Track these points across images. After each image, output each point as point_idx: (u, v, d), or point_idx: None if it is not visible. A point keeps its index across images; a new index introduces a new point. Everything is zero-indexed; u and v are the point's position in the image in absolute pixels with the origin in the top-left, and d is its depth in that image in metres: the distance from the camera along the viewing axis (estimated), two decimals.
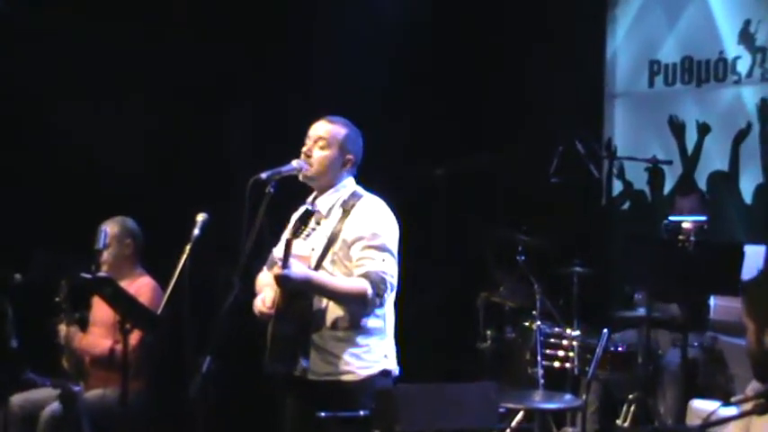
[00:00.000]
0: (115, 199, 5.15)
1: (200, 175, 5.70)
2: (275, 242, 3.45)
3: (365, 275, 3.20)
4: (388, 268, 3.23)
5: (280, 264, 3.15)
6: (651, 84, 6.13)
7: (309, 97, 5.50)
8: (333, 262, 3.27)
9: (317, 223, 3.35)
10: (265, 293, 3.31)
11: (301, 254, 3.22)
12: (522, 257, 5.10)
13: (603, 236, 6.03)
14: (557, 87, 5.86)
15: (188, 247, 3.44)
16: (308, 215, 3.20)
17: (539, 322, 4.90)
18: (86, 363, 4.56)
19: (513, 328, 5.18)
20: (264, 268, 3.52)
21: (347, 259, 3.26)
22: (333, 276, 3.25)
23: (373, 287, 3.18)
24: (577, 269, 5.07)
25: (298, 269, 3.13)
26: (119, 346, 4.00)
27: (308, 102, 5.16)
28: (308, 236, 3.17)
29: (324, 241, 3.30)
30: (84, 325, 4.61)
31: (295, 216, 3.46)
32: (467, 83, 6.10)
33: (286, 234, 3.29)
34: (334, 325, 3.25)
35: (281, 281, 3.12)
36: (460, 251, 5.81)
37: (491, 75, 6.09)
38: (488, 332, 5.20)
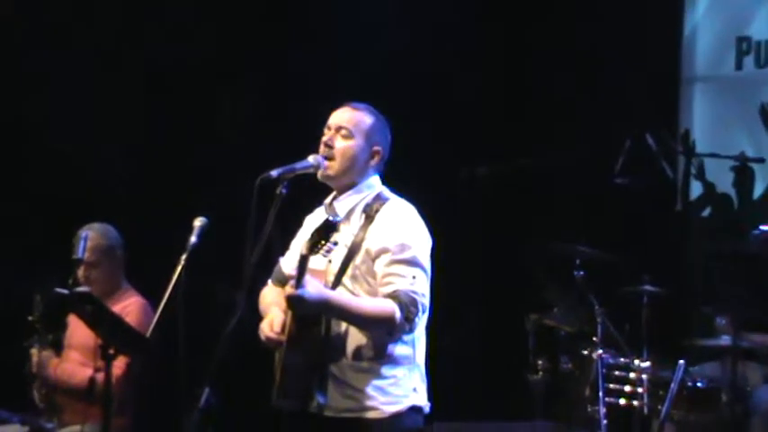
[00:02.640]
0: (94, 201, 5.21)
1: (197, 172, 5.75)
2: (285, 251, 3.47)
3: (393, 296, 3.19)
4: (420, 287, 3.23)
5: (292, 283, 3.13)
6: (739, 66, 6.10)
7: (327, 86, 5.54)
8: (354, 278, 3.27)
9: (336, 230, 3.34)
10: (273, 315, 3.31)
11: (316, 267, 3.22)
12: (581, 273, 5.09)
13: (679, 248, 6.01)
14: (622, 71, 5.85)
15: (183, 258, 3.46)
16: (328, 228, 3.13)
17: (600, 351, 4.89)
18: (61, 394, 4.60)
19: (569, 357, 5.17)
20: (269, 282, 3.54)
21: (370, 275, 3.26)
22: (354, 297, 3.26)
23: (402, 310, 3.17)
24: (647, 288, 5.06)
25: (313, 289, 3.12)
26: (100, 375, 4.02)
27: (325, 91, 5.19)
28: (328, 252, 3.18)
29: (343, 252, 3.29)
30: (59, 349, 4.65)
31: (310, 220, 3.48)
32: (512, 64, 6.10)
33: (298, 243, 3.30)
34: (356, 354, 3.25)
35: (294, 303, 3.11)
36: (505, 265, 5.81)
37: (541, 55, 6.09)
38: (539, 362, 5.19)
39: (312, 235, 3.11)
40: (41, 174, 5.60)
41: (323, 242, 3.10)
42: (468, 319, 5.73)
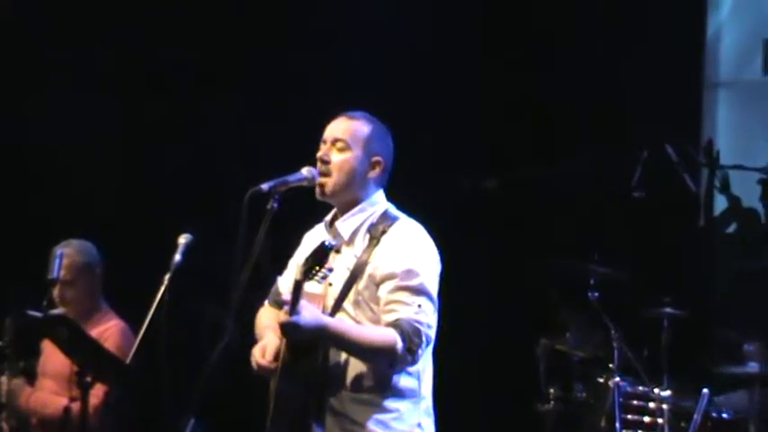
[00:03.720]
0: (70, 217, 5.21)
1: (181, 186, 5.76)
2: (280, 270, 3.47)
3: (395, 324, 3.18)
4: (425, 317, 3.22)
5: (286, 309, 3.12)
6: (766, 69, 6.12)
7: (321, 95, 5.56)
8: (356, 304, 3.27)
9: (337, 252, 3.33)
10: (267, 341, 3.31)
11: (314, 291, 3.21)
12: (596, 294, 5.10)
13: (702, 267, 6.01)
14: (640, 75, 5.86)
15: (167, 278, 3.46)
16: (324, 252, 3.11)
17: (617, 378, 4.89)
18: (33, 425, 4.58)
19: (583, 385, 5.18)
20: (266, 303, 3.54)
21: (374, 301, 3.25)
22: (354, 324, 3.25)
23: (404, 340, 3.16)
24: (668, 310, 5.05)
25: (309, 315, 3.11)
26: (76, 405, 4.02)
27: (319, 100, 5.21)
28: (323, 278, 3.15)
29: (345, 276, 3.29)
30: (31, 377, 4.63)
31: (309, 238, 3.48)
32: (521, 68, 6.11)
33: (296, 262, 3.30)
34: (357, 384, 3.24)
35: (288, 331, 3.11)
36: (513, 285, 5.82)
37: (552, 58, 6.10)
38: (551, 390, 5.20)
39: (306, 260, 3.11)
40: (13, 189, 5.60)
41: (317, 268, 3.08)
42: (473, 344, 5.72)
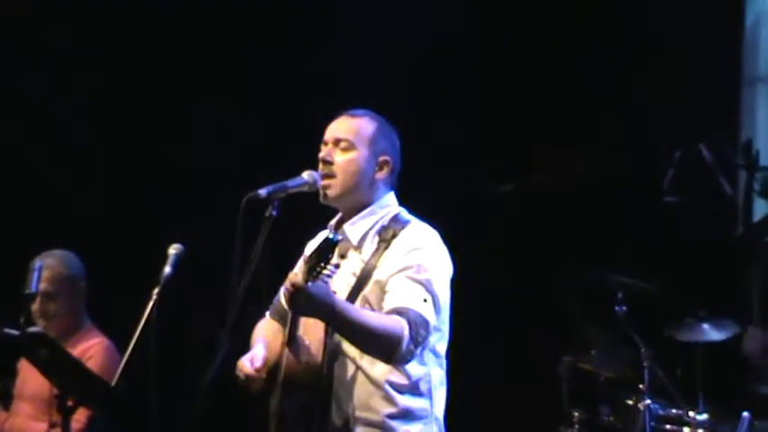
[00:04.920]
0: (50, 227, 5.23)
1: (171, 193, 5.77)
2: (280, 282, 3.48)
3: (401, 312, 3.20)
4: (428, 313, 3.25)
5: (296, 272, 3.11)
6: None
7: (323, 92, 5.58)
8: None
9: (343, 256, 3.36)
10: (256, 350, 3.33)
11: None
12: (623, 308, 5.10)
13: (740, 278, 5.99)
14: (671, 70, 5.86)
15: (156, 292, 3.47)
16: (329, 247, 3.10)
17: (648, 401, 4.89)
18: None
19: (610, 407, 5.17)
20: (267, 315, 3.55)
21: (380, 306, 3.27)
22: (363, 309, 3.26)
23: (411, 329, 3.19)
24: (704, 326, 5.05)
25: (321, 288, 3.10)
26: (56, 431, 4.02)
27: (320, 97, 5.23)
28: (328, 277, 3.16)
29: (351, 281, 3.32)
30: (7, 401, 4.64)
31: (311, 247, 3.49)
32: (541, 61, 6.11)
33: (297, 273, 3.31)
34: (366, 405, 3.25)
35: (296, 298, 3.09)
36: (534, 299, 5.81)
37: (574, 50, 6.10)
38: (575, 413, 5.19)
39: (309, 257, 3.12)
40: None
41: (322, 265, 3.08)
42: (489, 362, 5.72)
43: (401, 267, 3.27)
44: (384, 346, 3.20)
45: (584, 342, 5.25)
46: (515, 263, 5.96)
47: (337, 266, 3.14)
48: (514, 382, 5.87)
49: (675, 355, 5.14)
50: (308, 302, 3.09)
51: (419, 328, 3.20)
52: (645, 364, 4.98)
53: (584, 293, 5.38)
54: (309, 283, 3.06)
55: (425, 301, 3.24)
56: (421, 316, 3.22)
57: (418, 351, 3.25)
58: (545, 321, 5.75)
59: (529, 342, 5.80)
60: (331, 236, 3.09)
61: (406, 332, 3.17)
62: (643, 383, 4.96)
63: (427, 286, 3.26)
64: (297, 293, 3.08)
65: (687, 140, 5.44)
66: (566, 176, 5.68)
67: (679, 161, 5.41)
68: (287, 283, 3.13)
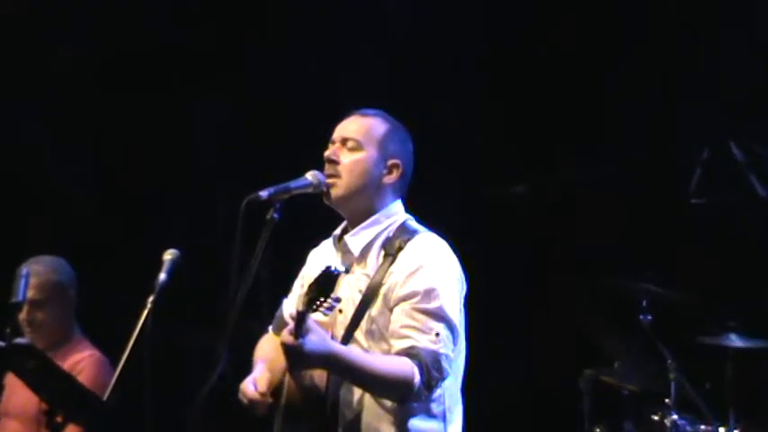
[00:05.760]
0: (38, 232, 5.23)
1: (166, 195, 5.77)
2: (282, 291, 3.48)
3: (411, 354, 3.18)
4: (444, 347, 3.22)
5: (290, 328, 3.09)
6: None
7: (323, 93, 5.58)
8: (369, 334, 3.28)
9: (346, 271, 3.34)
10: (257, 374, 3.32)
11: (320, 319, 3.20)
12: (648, 317, 5.09)
13: None
14: (700, 60, 5.84)
15: (150, 301, 3.47)
16: (329, 280, 3.05)
17: (674, 416, 4.89)
18: None
19: (634, 423, 5.16)
20: (270, 330, 3.54)
21: (388, 327, 3.25)
22: (365, 353, 3.25)
23: (422, 373, 3.16)
24: (734, 337, 5.03)
25: (317, 339, 3.08)
26: None
27: (324, 95, 5.24)
28: (329, 309, 3.09)
29: (356, 300, 3.30)
30: None
31: (315, 256, 3.48)
32: (562, 53, 6.10)
33: (303, 284, 3.30)
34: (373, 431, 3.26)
35: (292, 355, 3.08)
36: (552, 308, 5.81)
37: (597, 42, 6.08)
38: (597, 430, 5.18)
39: (309, 288, 3.09)
40: None
41: (322, 299, 3.05)
42: (505, 377, 5.72)
43: (407, 294, 3.24)
44: (392, 394, 3.21)
45: (606, 354, 5.24)
46: (531, 269, 5.96)
47: (338, 300, 3.10)
48: (533, 397, 5.87)
49: (704, 367, 5.13)
50: (304, 359, 3.07)
51: (431, 370, 3.18)
52: (671, 376, 4.97)
53: (606, 301, 5.37)
54: (302, 339, 3.03)
55: (438, 335, 3.21)
56: (433, 354, 3.19)
57: (434, 391, 3.23)
58: (564, 332, 5.74)
59: (547, 355, 5.80)
60: (332, 268, 3.06)
61: (417, 378, 3.15)
62: (669, 397, 4.95)
63: (439, 314, 3.23)
64: (290, 352, 3.06)
65: (716, 137, 5.42)
66: (584, 176, 5.66)
67: (707, 160, 5.39)
68: (281, 340, 3.10)
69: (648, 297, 5.10)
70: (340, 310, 3.30)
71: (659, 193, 5.68)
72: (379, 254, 3.34)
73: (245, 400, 3.27)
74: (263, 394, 3.25)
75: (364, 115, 3.45)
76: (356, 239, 3.37)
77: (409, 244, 3.32)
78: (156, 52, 5.90)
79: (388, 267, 3.29)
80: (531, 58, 6.06)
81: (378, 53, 5.87)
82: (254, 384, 3.28)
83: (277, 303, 3.58)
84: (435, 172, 5.27)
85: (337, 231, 3.44)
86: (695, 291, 5.12)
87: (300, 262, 3.52)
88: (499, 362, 5.69)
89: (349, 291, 3.33)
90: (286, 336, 3.10)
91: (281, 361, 3.26)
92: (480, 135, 6.01)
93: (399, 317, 3.23)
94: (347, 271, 3.35)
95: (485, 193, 5.75)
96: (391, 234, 3.36)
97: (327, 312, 3.09)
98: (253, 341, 3.52)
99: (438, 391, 3.28)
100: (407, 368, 3.16)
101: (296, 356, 3.08)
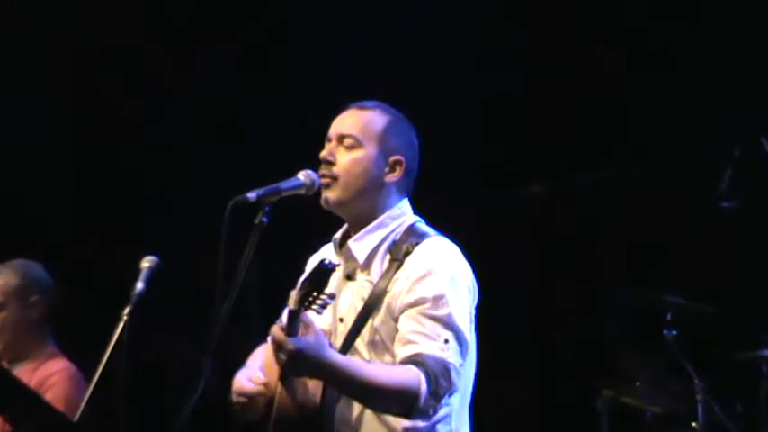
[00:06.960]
0: (9, 236, 5.24)
1: (144, 197, 5.78)
2: (276, 304, 3.47)
3: (417, 361, 3.16)
4: (453, 356, 3.21)
5: (281, 324, 3.08)
6: None
7: (322, 86, 5.58)
8: (372, 345, 3.27)
9: (349, 278, 3.35)
10: (251, 370, 3.31)
11: (320, 326, 3.19)
12: (673, 332, 5.10)
13: None
14: (727, 52, 5.85)
15: (126, 312, 3.47)
16: (322, 274, 3.07)
17: None
18: None
19: None
20: (269, 339, 3.54)
21: (393, 341, 3.23)
22: (366, 362, 3.24)
23: (429, 382, 3.14)
24: (767, 353, 5.03)
25: (315, 341, 3.06)
26: None
27: (317, 92, 5.24)
28: (322, 306, 3.11)
29: (358, 308, 3.30)
30: None
31: (314, 261, 3.48)
32: (584, 49, 6.12)
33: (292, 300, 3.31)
34: None
35: (287, 356, 3.03)
36: (569, 321, 5.81)
37: (620, 38, 6.10)
38: None
39: (302, 284, 3.08)
40: None
41: (315, 294, 3.05)
42: (518, 395, 5.72)
43: (415, 300, 3.22)
44: (397, 407, 3.17)
45: (627, 372, 5.24)
46: (546, 279, 5.96)
47: (332, 297, 3.10)
48: (547, 418, 5.87)
49: (735, 387, 5.13)
50: (298, 359, 3.03)
51: (439, 378, 3.15)
52: (698, 397, 4.98)
53: (627, 315, 5.37)
54: (298, 340, 3.01)
55: (447, 342, 3.19)
56: (442, 363, 3.17)
57: (443, 402, 3.21)
58: (581, 348, 5.75)
59: (563, 372, 5.80)
60: (326, 261, 3.05)
61: (424, 387, 3.13)
62: (697, 420, 4.97)
63: (448, 322, 3.21)
64: (281, 350, 3.02)
65: (747, 135, 5.42)
66: (604, 178, 5.66)
67: (738, 160, 5.38)
68: (272, 334, 3.08)
69: (674, 310, 5.11)
70: (341, 319, 3.30)
71: (686, 197, 5.68)
72: (384, 259, 3.33)
73: (243, 399, 3.25)
74: (265, 384, 3.24)
75: (362, 108, 3.43)
76: (361, 245, 3.35)
77: (417, 248, 3.30)
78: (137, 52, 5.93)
79: (394, 273, 3.28)
80: (548, 55, 6.08)
81: (384, 48, 5.89)
82: (249, 378, 3.26)
83: (265, 313, 3.57)
84: (446, 173, 5.32)
85: (337, 235, 3.43)
86: (724, 302, 5.13)
87: (293, 269, 3.51)
88: (510, 380, 5.69)
89: (351, 299, 3.32)
90: (276, 330, 3.07)
91: (274, 372, 3.24)
92: (494, 135, 6.03)
93: (404, 323, 3.22)
94: (350, 278, 3.34)
95: (498, 194, 5.75)
96: (398, 237, 3.34)
97: (321, 310, 3.08)
98: (239, 355, 3.50)
99: (444, 411, 3.26)
100: (413, 376, 3.14)
101: (288, 354, 3.03)
